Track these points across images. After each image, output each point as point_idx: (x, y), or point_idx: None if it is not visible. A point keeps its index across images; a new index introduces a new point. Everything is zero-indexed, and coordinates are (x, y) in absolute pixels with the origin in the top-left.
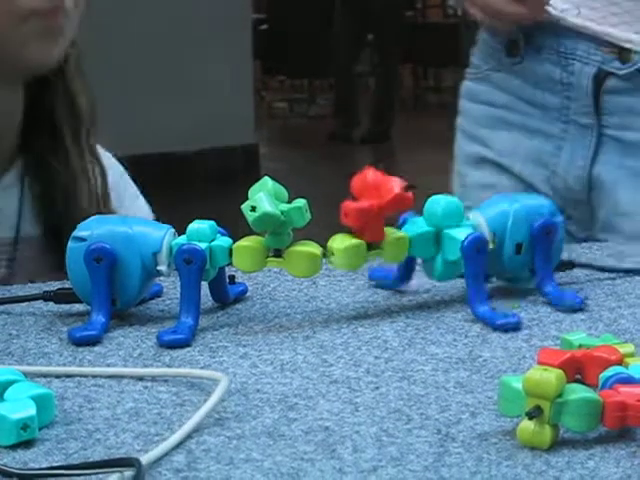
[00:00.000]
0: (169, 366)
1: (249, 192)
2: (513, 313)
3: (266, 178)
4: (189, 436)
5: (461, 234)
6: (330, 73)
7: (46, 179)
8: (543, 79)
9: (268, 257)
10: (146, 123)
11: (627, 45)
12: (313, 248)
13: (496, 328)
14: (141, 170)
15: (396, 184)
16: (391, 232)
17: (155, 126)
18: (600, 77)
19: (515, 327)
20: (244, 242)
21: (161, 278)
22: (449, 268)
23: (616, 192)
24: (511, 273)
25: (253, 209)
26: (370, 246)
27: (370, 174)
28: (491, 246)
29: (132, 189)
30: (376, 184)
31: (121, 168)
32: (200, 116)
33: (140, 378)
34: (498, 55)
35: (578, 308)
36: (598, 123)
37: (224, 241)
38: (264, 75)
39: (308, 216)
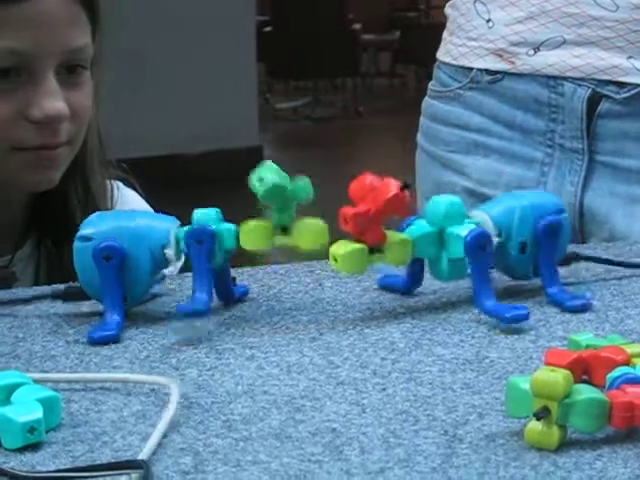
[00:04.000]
0: (176, 368)
1: (252, 174)
2: (523, 305)
3: (268, 162)
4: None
5: (464, 231)
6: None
7: (57, 254)
8: (525, 100)
9: (275, 236)
10: (151, 126)
11: (621, 73)
12: (319, 221)
13: (505, 321)
14: (146, 172)
15: (392, 185)
16: (393, 235)
17: (159, 128)
18: (594, 100)
19: (524, 319)
20: (251, 222)
21: (169, 277)
22: (455, 267)
23: (610, 220)
24: (516, 271)
25: (261, 181)
26: (372, 250)
27: (368, 179)
28: (497, 239)
29: None
30: (373, 188)
31: (144, 207)
32: (204, 118)
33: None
34: (473, 72)
35: (582, 309)
36: (589, 148)
37: (229, 225)
38: (268, 77)
39: (312, 191)
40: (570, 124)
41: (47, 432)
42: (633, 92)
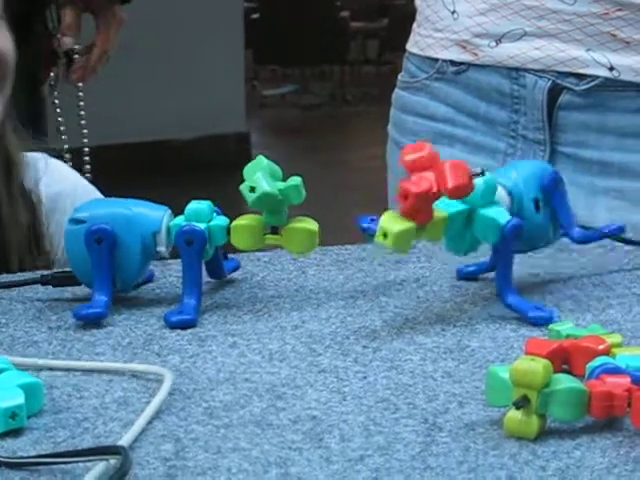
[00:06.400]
0: (158, 355)
1: (244, 172)
2: (547, 308)
3: (260, 157)
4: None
5: (501, 217)
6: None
7: None
8: (488, 91)
9: (266, 234)
10: (138, 111)
11: (580, 65)
12: (310, 225)
13: (529, 321)
14: (132, 158)
15: (464, 171)
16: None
17: (147, 114)
18: (555, 92)
19: (547, 321)
20: (242, 221)
21: (154, 264)
22: (475, 245)
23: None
24: (535, 234)
25: (252, 189)
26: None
27: (426, 149)
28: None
29: (90, 195)
30: (434, 162)
31: (75, 177)
32: (192, 105)
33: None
34: (438, 62)
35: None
36: (551, 139)
37: (222, 220)
38: (255, 64)
39: (304, 194)
40: (532, 115)
41: (29, 418)
42: (592, 84)
